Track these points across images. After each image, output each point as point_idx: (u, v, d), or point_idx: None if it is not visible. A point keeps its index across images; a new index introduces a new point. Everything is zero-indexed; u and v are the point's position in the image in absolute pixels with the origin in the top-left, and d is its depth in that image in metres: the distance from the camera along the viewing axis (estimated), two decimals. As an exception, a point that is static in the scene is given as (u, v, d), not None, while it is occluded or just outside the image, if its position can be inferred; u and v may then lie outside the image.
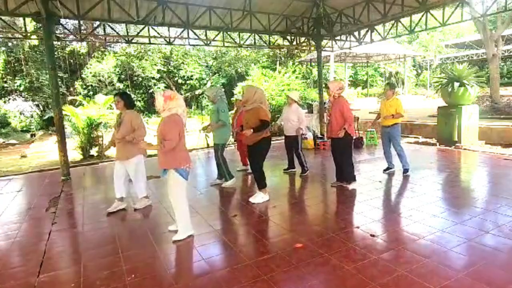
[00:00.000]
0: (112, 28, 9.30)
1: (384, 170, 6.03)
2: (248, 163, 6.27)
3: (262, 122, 4.36)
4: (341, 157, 5.13)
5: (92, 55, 22.34)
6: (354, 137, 8.98)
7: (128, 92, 5.03)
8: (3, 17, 7.59)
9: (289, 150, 6.32)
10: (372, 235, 3.44)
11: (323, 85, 5.46)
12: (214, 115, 5.44)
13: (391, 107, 5.70)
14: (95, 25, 9.93)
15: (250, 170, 6.28)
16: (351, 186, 5.11)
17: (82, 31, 9.07)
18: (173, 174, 3.46)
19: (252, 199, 4.66)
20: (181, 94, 25.20)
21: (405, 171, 5.79)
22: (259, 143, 4.48)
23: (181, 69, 25.48)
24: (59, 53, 19.56)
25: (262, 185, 4.68)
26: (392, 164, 6.01)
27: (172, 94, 3.47)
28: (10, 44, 18.87)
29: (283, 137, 6.46)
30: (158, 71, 23.95)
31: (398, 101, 5.77)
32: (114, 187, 4.65)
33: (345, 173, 5.16)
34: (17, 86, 19.69)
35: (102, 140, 10.14)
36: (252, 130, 4.35)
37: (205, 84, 25.58)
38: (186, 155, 3.56)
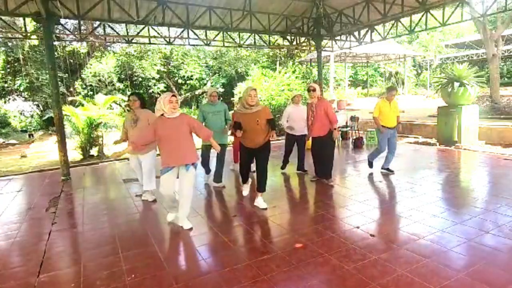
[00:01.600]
0: (112, 28, 9.30)
1: (383, 170, 6.06)
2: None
3: (271, 121, 4.35)
4: (327, 154, 5.35)
5: (92, 55, 22.32)
6: (355, 137, 9.15)
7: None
8: (3, 17, 7.59)
9: (290, 150, 6.24)
10: (372, 235, 3.44)
11: (308, 89, 5.44)
12: (219, 116, 5.36)
13: (396, 108, 5.89)
14: (95, 25, 9.93)
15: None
16: (334, 183, 5.42)
17: (82, 31, 9.07)
18: (192, 169, 3.81)
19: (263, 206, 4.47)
20: (181, 94, 25.28)
21: (388, 169, 6.02)
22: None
23: (181, 69, 25.46)
24: (59, 53, 19.53)
25: (264, 188, 4.60)
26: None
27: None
28: (10, 44, 18.82)
29: (285, 137, 6.36)
30: (158, 71, 23.93)
31: (396, 102, 6.02)
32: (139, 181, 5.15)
33: (329, 169, 5.42)
34: (17, 86, 19.68)
35: (102, 140, 10.14)
36: (272, 132, 4.34)
37: (205, 84, 25.56)
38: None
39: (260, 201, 4.50)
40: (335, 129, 5.15)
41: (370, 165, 6.23)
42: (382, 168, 6.05)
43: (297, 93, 6.55)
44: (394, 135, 5.96)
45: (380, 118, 5.86)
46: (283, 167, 6.45)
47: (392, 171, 5.96)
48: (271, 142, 4.53)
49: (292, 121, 5.97)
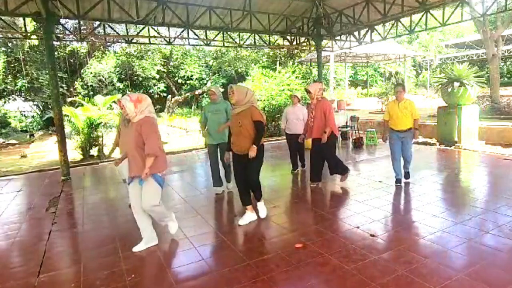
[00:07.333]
0: (112, 28, 9.31)
1: (397, 183, 5.21)
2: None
3: (258, 123, 3.72)
4: (326, 155, 5.26)
5: (92, 55, 22.32)
6: (354, 137, 9.15)
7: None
8: (3, 17, 7.59)
9: (293, 149, 6.25)
10: (372, 235, 3.44)
11: (306, 90, 5.34)
12: (218, 115, 5.02)
13: (406, 109, 5.07)
14: (95, 25, 9.94)
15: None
16: (346, 177, 5.39)
17: (82, 31, 9.08)
18: (150, 181, 3.19)
19: (262, 214, 4.08)
20: (181, 94, 25.24)
21: (407, 174, 5.31)
22: (260, 150, 3.83)
23: (181, 69, 25.48)
24: (59, 53, 19.53)
25: (260, 195, 4.08)
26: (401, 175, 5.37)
27: (139, 96, 3.25)
28: (10, 44, 18.81)
29: (285, 137, 6.46)
30: (158, 71, 23.95)
31: (412, 102, 5.14)
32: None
33: (335, 168, 5.40)
34: (18, 86, 19.68)
35: (102, 140, 10.14)
36: (254, 145, 3.69)
37: (205, 84, 25.57)
38: (164, 158, 3.32)
39: (260, 207, 4.10)
40: (324, 132, 4.96)
41: (397, 180, 5.24)
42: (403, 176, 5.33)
43: (294, 93, 6.73)
44: (407, 141, 5.16)
45: (389, 121, 5.25)
46: (292, 170, 6.37)
47: (406, 178, 5.30)
48: (264, 146, 4.00)
49: (288, 121, 6.35)
